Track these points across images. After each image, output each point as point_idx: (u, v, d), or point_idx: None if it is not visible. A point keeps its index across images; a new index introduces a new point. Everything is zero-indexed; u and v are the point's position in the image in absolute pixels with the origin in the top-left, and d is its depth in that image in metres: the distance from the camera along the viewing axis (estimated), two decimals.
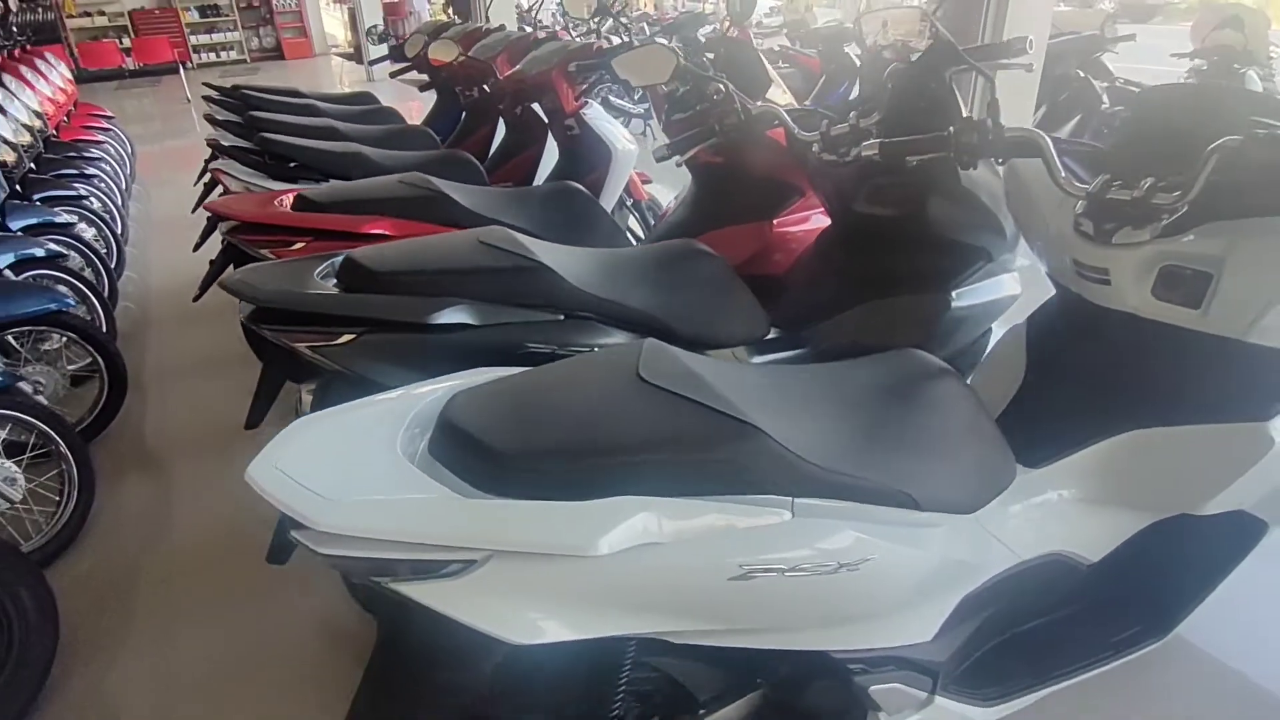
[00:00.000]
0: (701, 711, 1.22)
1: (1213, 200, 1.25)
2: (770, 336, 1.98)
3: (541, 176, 3.48)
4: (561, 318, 1.55)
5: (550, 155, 3.48)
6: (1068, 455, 1.44)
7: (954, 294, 1.94)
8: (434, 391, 1.05)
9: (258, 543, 2.22)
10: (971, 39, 2.90)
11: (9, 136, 3.85)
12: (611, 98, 6.55)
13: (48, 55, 6.13)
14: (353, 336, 1.40)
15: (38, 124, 4.59)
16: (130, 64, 13.08)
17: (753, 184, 2.44)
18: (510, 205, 2.22)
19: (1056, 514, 1.43)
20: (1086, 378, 1.51)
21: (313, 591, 2.08)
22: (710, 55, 2.34)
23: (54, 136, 5.01)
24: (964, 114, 1.55)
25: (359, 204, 2.07)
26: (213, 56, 14.69)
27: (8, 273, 2.96)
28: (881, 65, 1.82)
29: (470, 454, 0.92)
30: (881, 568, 1.03)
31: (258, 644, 1.95)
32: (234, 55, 14.81)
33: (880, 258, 1.99)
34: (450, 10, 8.55)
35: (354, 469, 0.90)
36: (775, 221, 2.50)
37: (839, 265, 2.10)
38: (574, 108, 3.02)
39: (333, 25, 16.12)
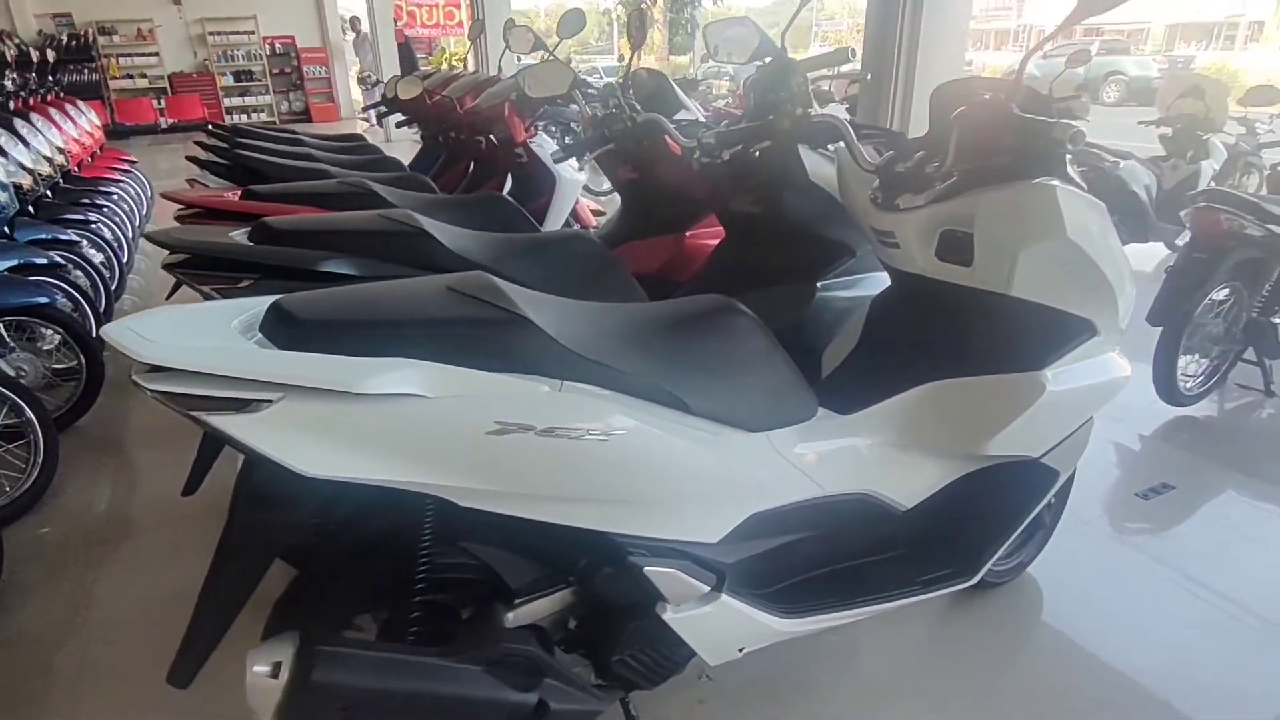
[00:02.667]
0: (517, 601, 1.39)
1: (970, 173, 1.48)
2: None
3: None
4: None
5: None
6: (875, 404, 1.62)
7: (819, 285, 2.16)
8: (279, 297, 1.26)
9: (189, 520, 2.42)
10: (890, 52, 3.21)
11: (27, 164, 4.22)
12: None
13: (78, 103, 6.62)
14: (251, 281, 1.64)
15: (59, 159, 5.00)
16: (164, 121, 13.91)
17: (666, 199, 2.69)
18: (439, 207, 2.48)
19: (865, 456, 1.60)
20: (897, 338, 1.71)
21: None
22: (624, 81, 2.61)
23: (74, 172, 5.43)
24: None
25: (297, 197, 2.34)
26: (244, 118, 15.51)
27: (6, 274, 3.27)
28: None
29: (281, 322, 1.12)
30: (635, 447, 1.21)
31: (170, 596, 2.11)
32: (264, 116, 15.62)
33: (752, 252, 2.22)
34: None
35: (190, 332, 1.11)
36: (688, 234, 2.75)
37: (720, 262, 2.33)
38: (523, 138, 3.32)
39: (360, 93, 17.02)
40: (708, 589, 1.38)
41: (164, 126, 13.96)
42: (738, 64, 1.85)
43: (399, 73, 6.93)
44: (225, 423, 1.03)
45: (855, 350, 1.77)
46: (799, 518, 1.51)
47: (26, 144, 4.54)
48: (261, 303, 1.23)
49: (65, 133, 5.61)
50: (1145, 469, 2.81)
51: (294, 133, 4.41)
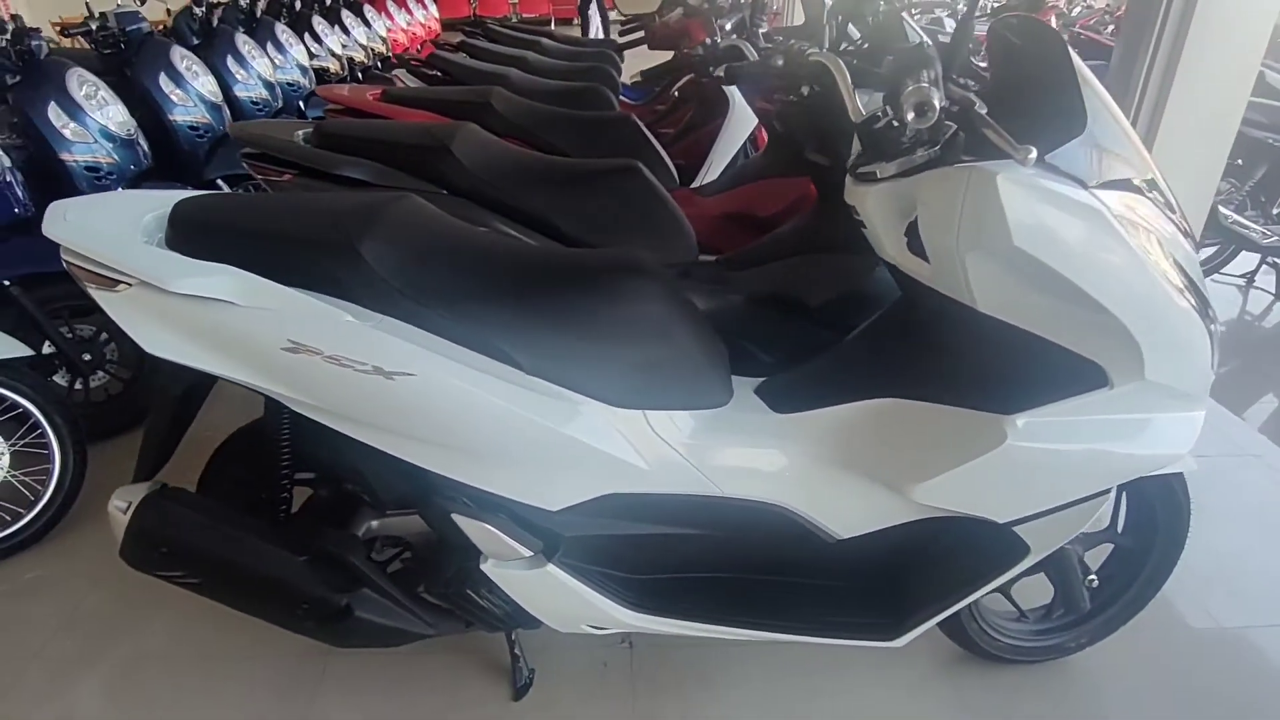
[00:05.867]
0: (389, 511, 1.47)
1: (952, 140, 1.16)
2: (703, 267, 2.04)
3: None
4: (444, 193, 1.83)
5: None
6: (816, 408, 1.39)
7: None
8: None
9: None
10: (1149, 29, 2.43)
11: (336, 50, 4.99)
12: None
13: None
14: (290, 176, 1.83)
15: (378, 46, 5.82)
16: (514, 16, 15.35)
17: (788, 136, 2.43)
18: (553, 124, 2.49)
19: (790, 466, 1.38)
20: (873, 336, 1.43)
21: None
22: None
23: (394, 59, 6.28)
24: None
25: (423, 102, 2.51)
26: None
27: None
28: None
29: (170, 220, 1.25)
30: (424, 393, 1.17)
31: None
32: (614, 15, 16.43)
33: (825, 209, 1.95)
34: None
35: (107, 218, 1.29)
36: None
37: (807, 218, 2.08)
38: None
39: None
40: (531, 554, 1.33)
41: (514, 20, 15.44)
42: None
43: None
44: (96, 295, 1.21)
45: (842, 343, 1.51)
46: (682, 512, 1.37)
47: (347, 32, 5.37)
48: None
49: (395, 23, 6.50)
50: None
51: (546, 35, 4.64)
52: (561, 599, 1.37)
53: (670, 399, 1.33)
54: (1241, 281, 3.88)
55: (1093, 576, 1.58)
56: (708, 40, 2.18)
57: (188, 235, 1.24)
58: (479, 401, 1.20)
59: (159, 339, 1.18)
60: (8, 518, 2.04)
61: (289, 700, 1.64)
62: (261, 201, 1.34)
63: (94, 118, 2.62)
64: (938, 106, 0.99)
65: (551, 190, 1.91)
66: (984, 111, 1.05)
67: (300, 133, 1.96)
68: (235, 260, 1.19)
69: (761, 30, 2.23)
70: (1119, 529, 1.64)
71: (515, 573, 1.34)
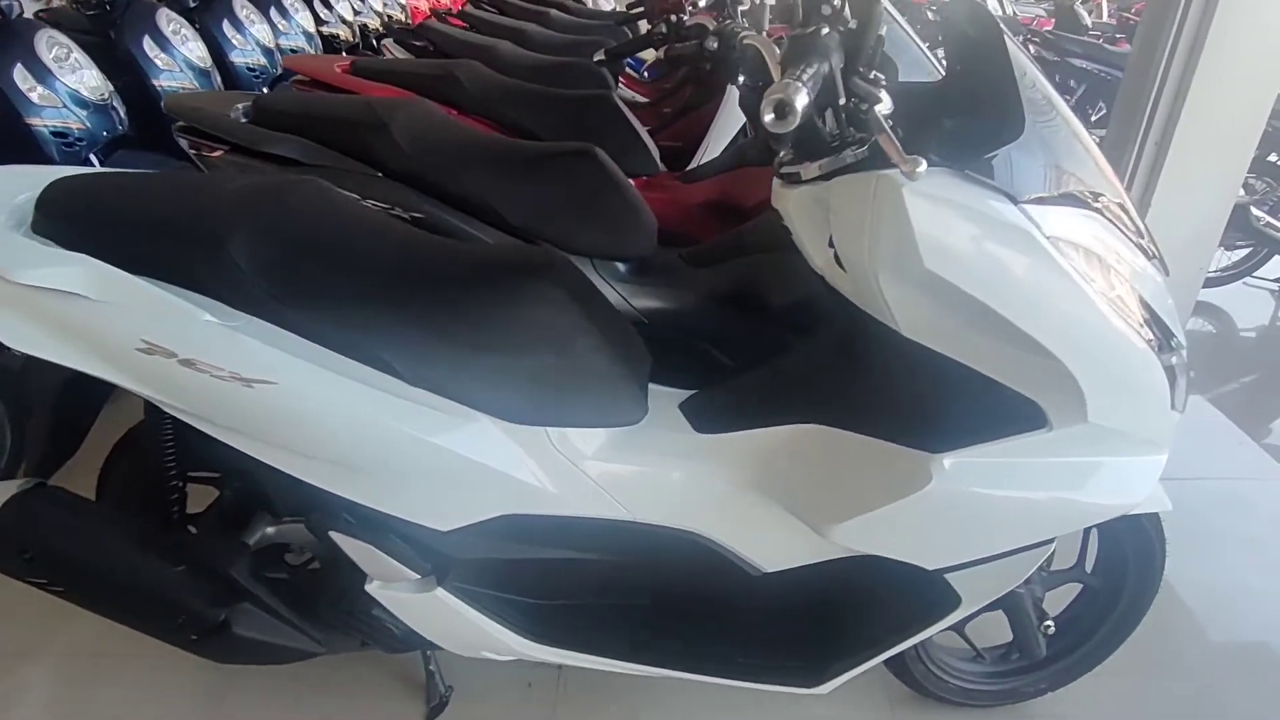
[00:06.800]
0: (286, 518, 1.38)
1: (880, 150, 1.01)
2: (663, 259, 1.90)
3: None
4: (379, 175, 1.72)
5: None
6: (740, 430, 1.26)
7: None
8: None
9: None
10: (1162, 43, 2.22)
11: (348, 17, 4.90)
12: None
13: None
14: (221, 152, 1.73)
15: (396, 13, 5.72)
16: None
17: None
18: (522, 101, 2.36)
19: (708, 491, 1.26)
20: (806, 355, 1.30)
21: None
22: None
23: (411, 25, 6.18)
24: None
25: (393, 75, 2.38)
26: None
27: None
28: None
29: (38, 201, 1.15)
30: (297, 405, 1.08)
31: None
32: None
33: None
34: None
35: None
36: None
37: (766, 211, 1.93)
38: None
39: None
40: (419, 577, 1.23)
41: None
42: None
43: None
44: None
45: (775, 360, 1.38)
46: (588, 537, 1.26)
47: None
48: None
49: None
50: None
51: (558, 7, 4.49)
52: (453, 625, 1.28)
53: (575, 415, 1.22)
54: (1275, 286, 3.62)
55: (1049, 622, 1.43)
56: (673, 18, 2.04)
57: (53, 220, 1.15)
58: (347, 413, 1.10)
59: (14, 331, 1.09)
60: None
61: (196, 704, 1.58)
62: (136, 185, 1.24)
63: (64, 81, 2.55)
64: (799, 109, 0.84)
65: (497, 174, 1.79)
66: (887, 112, 0.91)
67: (240, 106, 1.86)
68: (98, 249, 1.10)
69: (742, 8, 2.07)
70: (1087, 568, 1.49)
71: (402, 596, 1.25)
